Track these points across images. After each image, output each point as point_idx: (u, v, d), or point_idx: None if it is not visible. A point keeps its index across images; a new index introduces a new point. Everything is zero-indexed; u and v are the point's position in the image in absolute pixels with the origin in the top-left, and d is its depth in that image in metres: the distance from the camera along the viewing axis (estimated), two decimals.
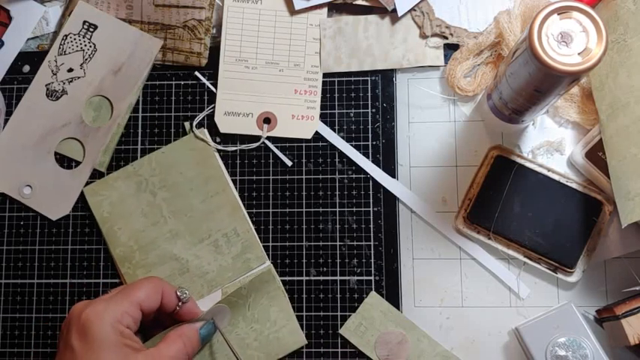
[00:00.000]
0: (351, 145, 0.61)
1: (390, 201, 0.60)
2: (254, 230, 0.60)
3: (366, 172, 0.61)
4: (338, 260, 0.60)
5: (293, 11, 0.63)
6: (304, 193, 0.61)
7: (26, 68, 0.64)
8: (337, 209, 0.61)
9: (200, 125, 0.62)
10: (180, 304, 0.53)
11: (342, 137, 0.61)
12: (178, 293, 0.53)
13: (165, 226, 0.61)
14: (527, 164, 0.58)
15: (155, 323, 0.54)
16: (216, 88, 0.63)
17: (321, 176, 0.61)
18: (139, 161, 0.62)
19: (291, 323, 0.59)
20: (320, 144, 0.62)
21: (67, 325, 0.50)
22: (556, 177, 0.58)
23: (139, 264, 0.60)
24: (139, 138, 0.63)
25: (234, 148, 0.62)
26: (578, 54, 0.44)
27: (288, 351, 0.59)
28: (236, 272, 0.60)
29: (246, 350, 0.58)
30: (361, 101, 0.62)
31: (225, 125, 0.62)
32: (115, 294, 0.51)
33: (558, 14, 0.45)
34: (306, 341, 0.59)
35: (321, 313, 0.59)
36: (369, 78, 0.62)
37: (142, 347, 0.50)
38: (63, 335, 0.50)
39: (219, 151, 0.62)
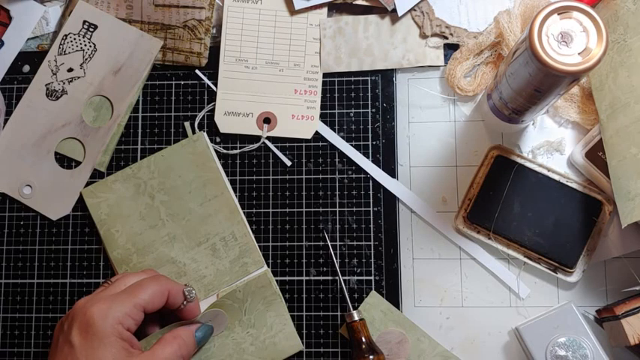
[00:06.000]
0: (351, 145, 0.61)
1: (390, 201, 0.60)
2: (252, 234, 0.60)
3: (366, 172, 0.61)
4: (338, 260, 0.60)
5: (293, 11, 0.63)
6: (304, 193, 0.61)
7: (26, 68, 0.64)
8: (337, 209, 0.61)
9: (200, 125, 0.62)
10: (185, 302, 0.53)
11: (342, 137, 0.61)
12: (186, 293, 0.53)
13: (163, 229, 0.61)
14: (527, 164, 0.58)
15: (154, 315, 0.54)
16: (216, 87, 0.63)
17: (321, 176, 0.61)
18: (138, 164, 0.62)
19: (288, 328, 0.59)
20: (320, 144, 0.62)
21: (69, 320, 0.50)
22: (556, 177, 0.58)
23: (137, 267, 0.60)
24: (139, 138, 0.63)
25: (234, 152, 0.62)
26: (579, 54, 0.44)
27: (284, 356, 0.58)
28: (233, 276, 0.60)
29: (243, 355, 0.58)
30: (361, 101, 0.62)
31: (225, 125, 0.62)
32: (119, 292, 0.51)
33: (558, 14, 0.45)
34: (302, 346, 0.59)
35: (321, 313, 0.59)
36: (369, 78, 0.62)
37: (138, 349, 0.50)
38: (63, 329, 0.50)
39: (216, 151, 0.62)
